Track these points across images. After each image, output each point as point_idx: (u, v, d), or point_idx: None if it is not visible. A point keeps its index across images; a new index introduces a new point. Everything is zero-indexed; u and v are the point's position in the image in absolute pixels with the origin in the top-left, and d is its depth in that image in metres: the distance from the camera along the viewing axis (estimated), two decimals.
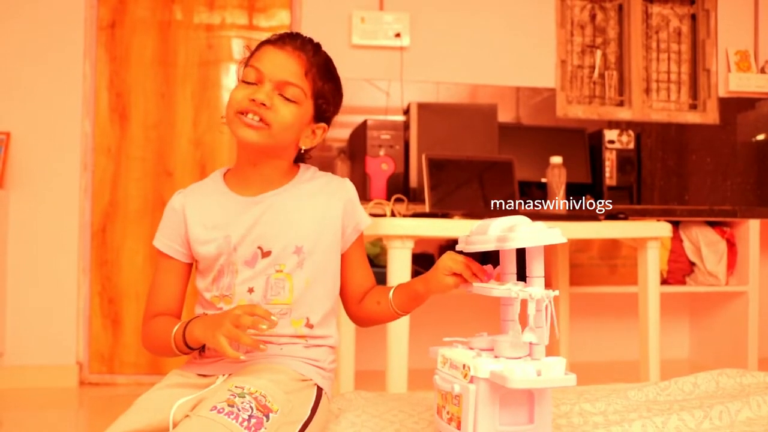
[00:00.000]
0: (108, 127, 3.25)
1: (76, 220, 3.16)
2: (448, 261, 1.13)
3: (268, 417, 1.03)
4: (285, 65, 1.18)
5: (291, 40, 1.20)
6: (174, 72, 3.30)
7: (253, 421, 1.00)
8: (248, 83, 1.18)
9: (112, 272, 3.21)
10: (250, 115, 1.16)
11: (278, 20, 3.39)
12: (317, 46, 1.23)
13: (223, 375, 1.16)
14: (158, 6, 3.30)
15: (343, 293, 1.30)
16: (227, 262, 1.20)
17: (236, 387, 1.05)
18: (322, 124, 1.26)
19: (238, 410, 1.00)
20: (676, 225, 3.22)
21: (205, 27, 3.34)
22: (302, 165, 1.30)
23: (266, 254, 1.19)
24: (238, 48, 3.36)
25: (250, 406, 1.02)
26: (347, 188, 1.28)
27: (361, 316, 1.30)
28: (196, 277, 1.26)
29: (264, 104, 1.15)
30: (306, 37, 1.23)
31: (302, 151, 1.26)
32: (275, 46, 1.19)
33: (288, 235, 1.19)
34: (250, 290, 1.19)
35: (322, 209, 1.23)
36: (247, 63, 1.22)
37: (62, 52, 3.17)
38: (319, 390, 1.18)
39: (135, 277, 3.22)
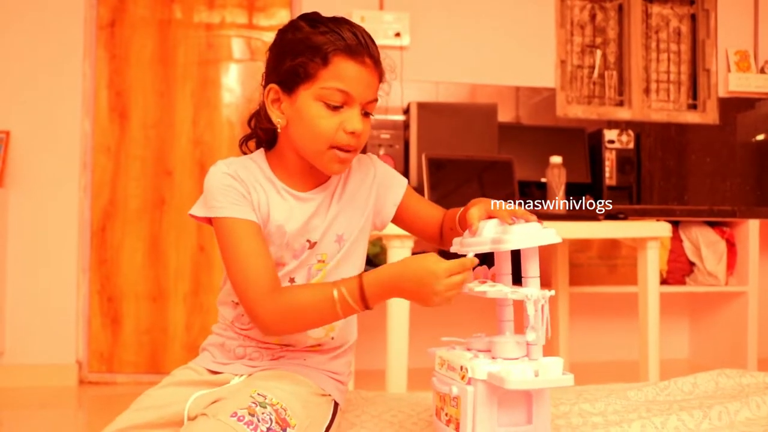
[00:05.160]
0: (107, 126, 3.25)
1: (76, 219, 3.16)
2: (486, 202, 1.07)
3: (285, 431, 1.02)
4: (371, 84, 1.11)
5: (365, 50, 1.10)
6: (174, 71, 3.29)
7: None
8: (334, 109, 1.09)
9: (112, 271, 3.21)
10: (342, 153, 1.11)
11: (278, 19, 3.39)
12: (375, 44, 1.13)
13: (239, 376, 1.15)
14: (158, 5, 3.30)
15: (425, 234, 1.28)
16: (276, 255, 1.16)
17: (258, 394, 1.04)
18: None
19: (258, 421, 0.99)
20: (675, 225, 3.22)
21: (204, 26, 3.34)
22: None
23: (312, 245, 1.17)
24: (238, 47, 3.35)
25: (270, 418, 1.01)
26: (375, 165, 1.26)
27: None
28: None
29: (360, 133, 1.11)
30: (367, 36, 1.12)
31: None
32: (354, 60, 1.08)
33: (332, 227, 1.19)
34: (291, 280, 1.17)
35: (359, 196, 1.22)
36: (310, 70, 1.09)
37: (62, 51, 3.17)
38: (336, 405, 1.18)
39: (134, 276, 3.22)
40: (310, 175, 1.19)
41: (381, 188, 1.25)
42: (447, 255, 1.06)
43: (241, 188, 1.13)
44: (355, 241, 1.21)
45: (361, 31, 1.11)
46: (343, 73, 1.08)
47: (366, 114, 1.13)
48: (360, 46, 1.09)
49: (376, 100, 1.13)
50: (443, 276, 0.98)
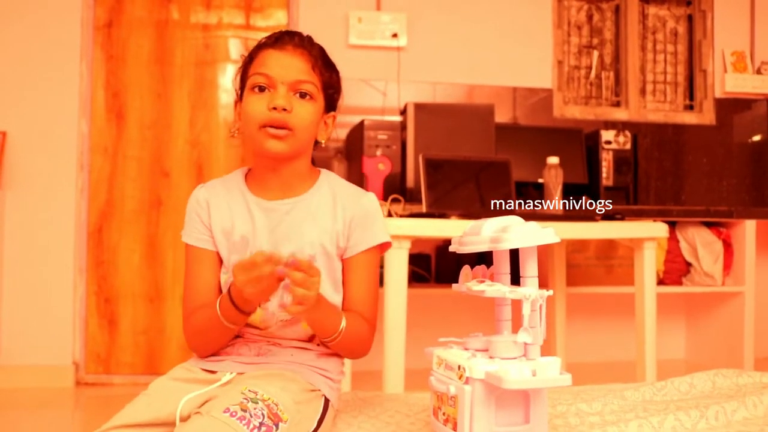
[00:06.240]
0: (104, 127, 3.24)
1: (73, 219, 3.15)
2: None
3: (277, 426, 1.03)
4: (292, 65, 1.18)
5: (288, 39, 1.20)
6: (171, 72, 3.29)
7: (263, 429, 1.01)
8: (260, 91, 1.17)
9: (109, 272, 3.21)
10: (272, 129, 1.15)
11: (275, 20, 3.39)
12: (311, 38, 1.24)
13: (230, 373, 1.16)
14: (155, 6, 3.30)
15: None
16: None
17: (250, 391, 1.05)
18: (332, 113, 1.27)
19: (251, 416, 1.00)
20: (672, 225, 3.23)
21: (201, 27, 3.33)
22: (323, 171, 1.29)
23: None
24: (235, 48, 3.35)
25: (262, 413, 1.02)
26: (364, 203, 1.24)
27: None
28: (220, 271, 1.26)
29: (285, 109, 1.15)
30: (298, 32, 1.23)
31: (318, 144, 1.26)
32: (275, 48, 1.19)
33: (301, 243, 1.19)
34: None
35: (331, 221, 1.22)
36: (246, 71, 1.21)
37: (59, 52, 3.16)
38: (326, 401, 1.18)
39: (131, 277, 3.22)
40: (278, 181, 1.23)
41: (356, 220, 1.23)
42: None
43: (203, 214, 1.24)
44: (327, 268, 1.20)
45: (293, 32, 1.22)
46: (263, 60, 1.19)
47: (303, 95, 1.18)
48: (283, 36, 1.20)
49: (307, 81, 1.18)
50: (236, 269, 1.06)
